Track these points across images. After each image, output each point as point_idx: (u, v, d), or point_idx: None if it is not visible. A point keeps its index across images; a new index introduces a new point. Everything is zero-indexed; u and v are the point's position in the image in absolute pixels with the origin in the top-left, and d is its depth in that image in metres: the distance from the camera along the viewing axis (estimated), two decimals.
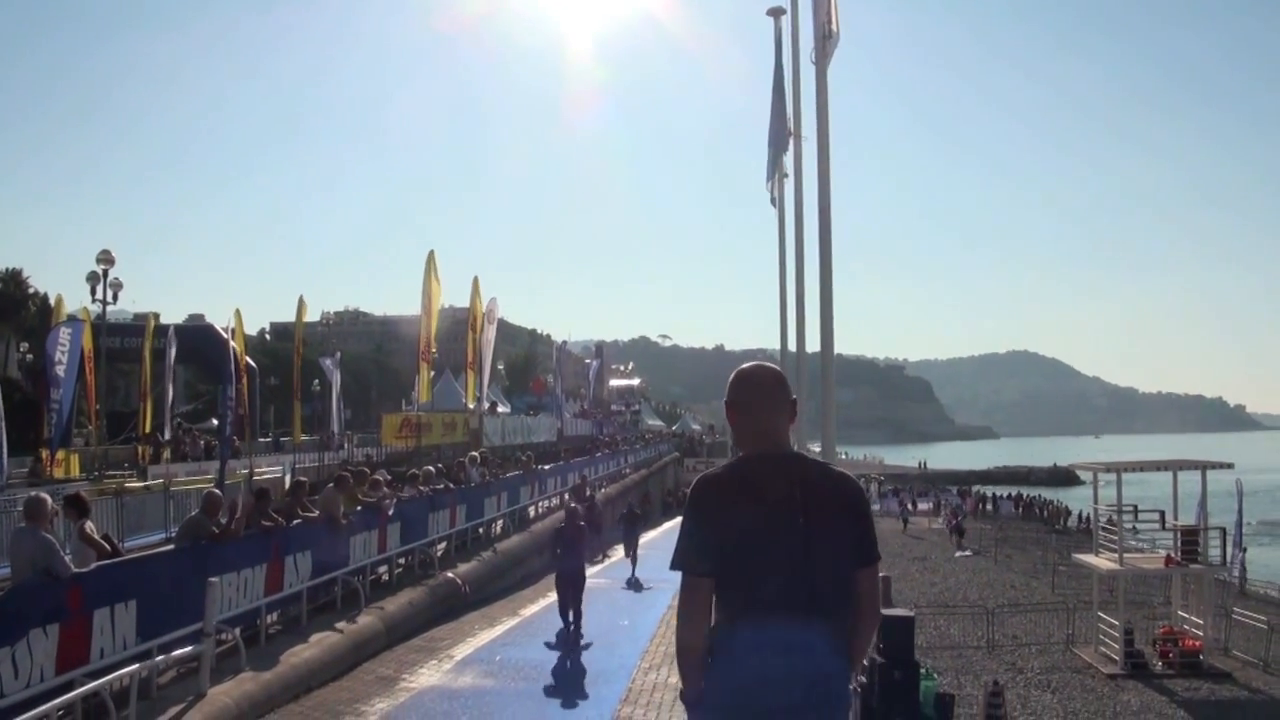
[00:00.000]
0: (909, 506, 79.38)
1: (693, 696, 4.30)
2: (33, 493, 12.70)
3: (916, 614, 22.83)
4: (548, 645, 18.71)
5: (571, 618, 19.62)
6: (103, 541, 13.65)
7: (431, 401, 45.32)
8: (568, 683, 15.68)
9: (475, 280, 45.62)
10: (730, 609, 4.18)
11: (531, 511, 35.05)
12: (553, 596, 25.58)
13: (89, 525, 13.71)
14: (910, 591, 41.36)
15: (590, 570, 30.16)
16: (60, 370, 28.44)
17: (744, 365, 4.62)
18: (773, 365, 4.64)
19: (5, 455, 20.39)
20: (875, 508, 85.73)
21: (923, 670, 19.18)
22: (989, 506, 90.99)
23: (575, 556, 20.04)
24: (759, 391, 4.48)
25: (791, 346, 16.51)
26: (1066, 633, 31.59)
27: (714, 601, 4.25)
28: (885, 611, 20.52)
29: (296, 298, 43.94)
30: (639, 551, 31.17)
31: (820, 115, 11.24)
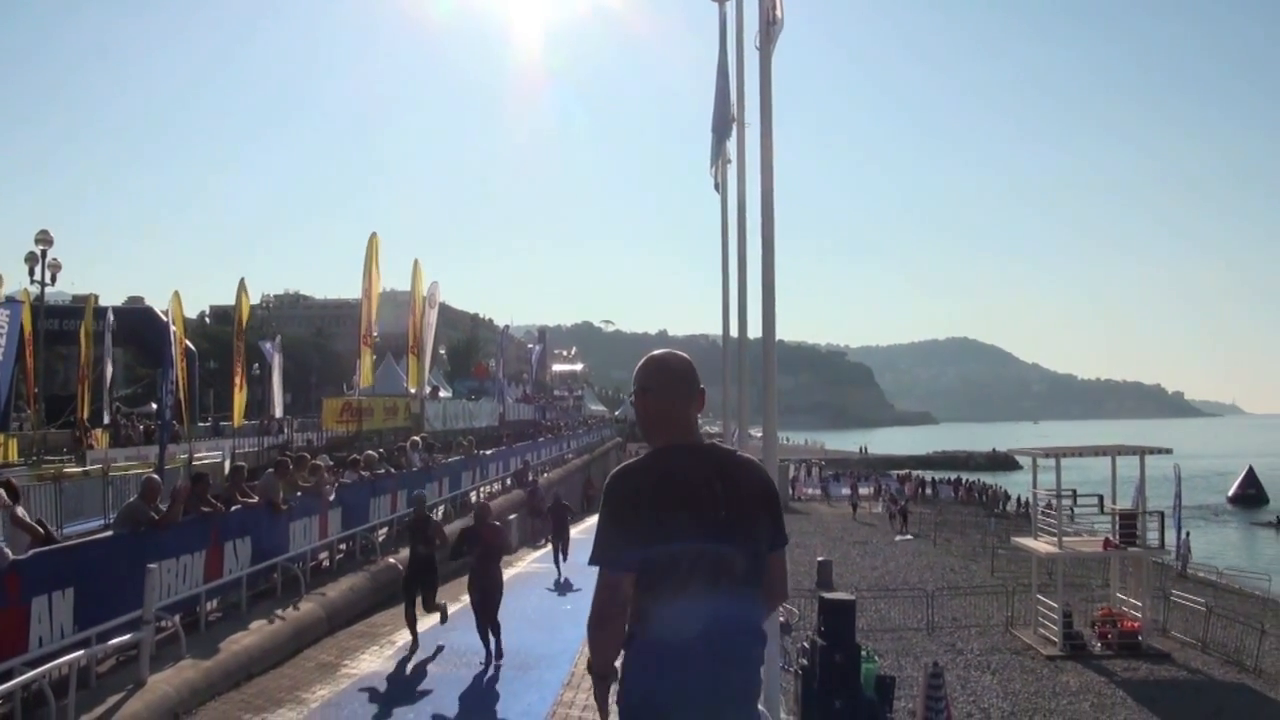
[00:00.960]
0: (858, 492, 79.78)
1: (601, 669, 4.33)
2: None
3: (857, 597, 22.96)
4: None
5: (490, 636, 16.20)
6: (36, 525, 13.50)
7: (373, 386, 45.06)
8: (510, 667, 15.60)
9: (416, 263, 45.34)
10: (651, 603, 4.14)
11: (473, 496, 34.95)
12: None
13: (20, 510, 13.55)
14: (851, 575, 41.69)
15: (532, 555, 30.14)
16: None
17: (655, 352, 4.57)
18: (683, 353, 4.58)
19: None
20: (816, 492, 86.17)
21: (864, 653, 19.29)
22: (929, 491, 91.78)
23: (492, 564, 16.58)
24: (673, 379, 4.44)
25: (733, 332, 16.48)
26: (1006, 615, 31.98)
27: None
28: (826, 595, 20.66)
29: (237, 280, 43.43)
30: (568, 549, 27.73)
31: (764, 101, 11.19)
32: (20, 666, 10.96)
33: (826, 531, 59.44)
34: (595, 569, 4.20)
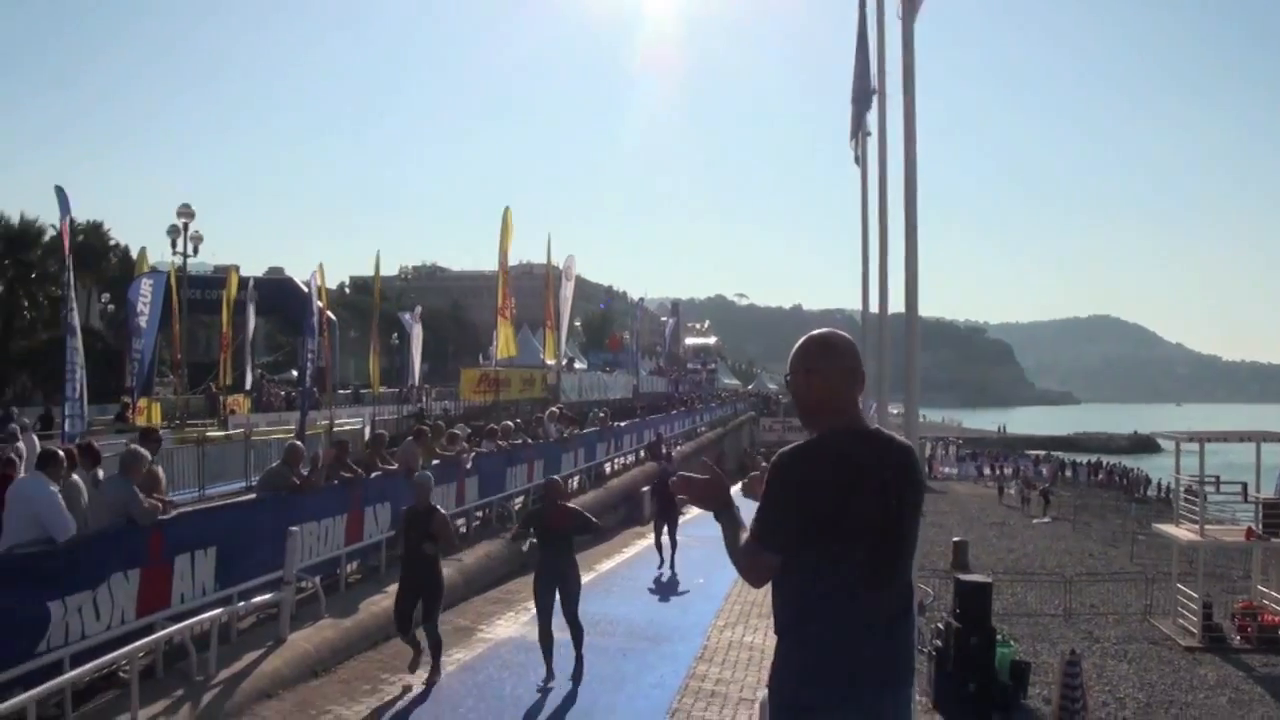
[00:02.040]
0: (995, 472, 78.57)
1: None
2: (130, 446, 12.95)
3: (993, 580, 22.65)
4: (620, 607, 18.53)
5: (572, 643, 13.53)
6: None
7: (509, 358, 45.47)
8: (643, 639, 15.63)
9: (549, 237, 45.77)
10: (815, 587, 4.11)
11: (608, 468, 35.12)
12: (629, 551, 25.37)
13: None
14: (987, 557, 41.15)
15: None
16: (142, 321, 28.81)
17: (819, 331, 4.44)
18: (844, 332, 4.47)
19: (85, 405, 20.69)
20: (953, 471, 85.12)
21: (999, 636, 19.06)
22: (1068, 473, 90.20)
23: (562, 555, 13.47)
24: (839, 360, 4.31)
25: (873, 308, 16.30)
26: (1144, 603, 31.30)
27: (787, 580, 4.20)
28: (962, 577, 20.42)
29: (374, 252, 44.33)
30: (676, 532, 22.89)
31: (906, 73, 11.00)
32: (163, 621, 11.35)
33: (963, 511, 58.74)
34: (722, 580, 4.21)
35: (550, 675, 13.15)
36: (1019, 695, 20.07)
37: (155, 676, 11.27)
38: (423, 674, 13.01)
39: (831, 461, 4.13)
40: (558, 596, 13.24)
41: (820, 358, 4.32)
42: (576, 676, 13.19)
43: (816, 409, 4.31)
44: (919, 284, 10.58)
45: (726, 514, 4.37)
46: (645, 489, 33.80)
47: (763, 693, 5.20)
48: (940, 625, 20.31)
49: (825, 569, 4.07)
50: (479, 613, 17.10)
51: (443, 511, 13.58)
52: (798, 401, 4.41)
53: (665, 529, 22.84)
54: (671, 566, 22.28)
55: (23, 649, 9.56)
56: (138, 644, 10.47)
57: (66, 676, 9.65)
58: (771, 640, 4.56)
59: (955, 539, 39.84)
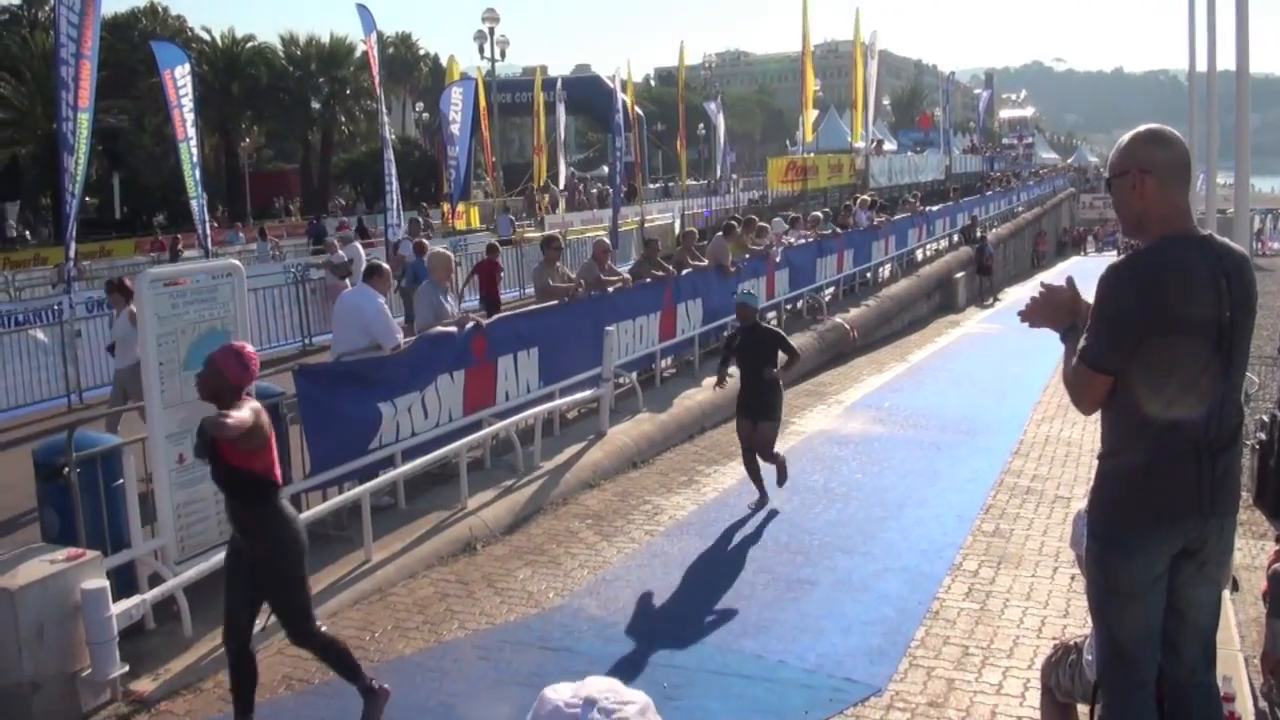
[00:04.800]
0: None
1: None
2: (434, 249, 13.56)
3: None
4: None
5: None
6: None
7: (816, 142, 44.83)
8: (956, 432, 15.39)
9: (857, 12, 44.37)
10: (1143, 406, 3.91)
11: (919, 255, 34.49)
12: (942, 340, 25.04)
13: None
14: None
15: (979, 315, 29.61)
16: (455, 129, 29.74)
17: (1152, 127, 4.04)
18: (1173, 129, 4.09)
19: (401, 214, 21.50)
20: None
21: None
22: None
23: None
24: (1178, 161, 3.96)
25: (1200, 66, 15.39)
26: None
27: (1114, 403, 4.03)
28: None
29: (678, 42, 44.17)
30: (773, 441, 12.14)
31: None
32: (489, 418, 12.03)
33: None
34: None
35: None
36: None
37: (483, 468, 12.03)
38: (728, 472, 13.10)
39: (1161, 274, 3.87)
40: None
41: (1158, 158, 3.96)
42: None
43: (1149, 216, 4.00)
44: (1250, 34, 9.95)
45: (1072, 335, 4.19)
46: (959, 275, 33.06)
47: (1079, 505, 5.06)
48: (1265, 417, 19.36)
49: (1152, 390, 3.88)
50: (790, 405, 17.18)
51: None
52: (1124, 208, 4.09)
53: (760, 432, 11.89)
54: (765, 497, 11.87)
55: (357, 446, 10.25)
56: (466, 439, 11.15)
57: (399, 470, 10.37)
58: (1090, 435, 4.43)
59: None
